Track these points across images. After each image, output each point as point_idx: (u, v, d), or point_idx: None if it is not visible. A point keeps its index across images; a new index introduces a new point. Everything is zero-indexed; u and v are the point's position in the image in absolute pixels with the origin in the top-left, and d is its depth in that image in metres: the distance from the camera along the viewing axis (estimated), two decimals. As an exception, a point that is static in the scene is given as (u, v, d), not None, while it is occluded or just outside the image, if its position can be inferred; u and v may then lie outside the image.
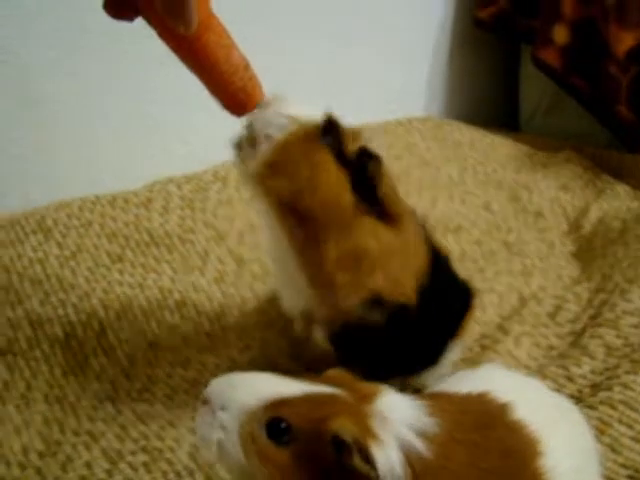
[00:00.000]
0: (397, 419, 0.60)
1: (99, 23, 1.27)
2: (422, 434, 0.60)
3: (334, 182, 0.77)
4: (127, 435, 0.88)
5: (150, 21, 0.74)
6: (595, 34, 1.70)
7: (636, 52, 1.63)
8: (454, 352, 0.93)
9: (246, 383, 0.63)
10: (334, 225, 0.77)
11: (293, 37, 1.63)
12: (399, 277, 0.80)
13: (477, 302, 0.96)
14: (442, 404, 0.65)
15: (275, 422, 0.59)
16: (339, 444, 0.57)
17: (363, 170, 0.77)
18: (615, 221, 1.41)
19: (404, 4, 1.83)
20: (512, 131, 1.97)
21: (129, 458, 0.84)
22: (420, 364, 0.90)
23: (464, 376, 0.77)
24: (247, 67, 0.79)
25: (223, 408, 0.61)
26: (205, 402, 0.62)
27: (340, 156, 0.78)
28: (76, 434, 0.89)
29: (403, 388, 0.80)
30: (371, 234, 0.79)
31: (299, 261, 0.80)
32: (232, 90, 0.78)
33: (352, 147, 0.79)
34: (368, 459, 0.56)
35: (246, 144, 0.79)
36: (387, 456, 0.57)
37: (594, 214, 1.48)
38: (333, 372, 0.65)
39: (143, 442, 0.87)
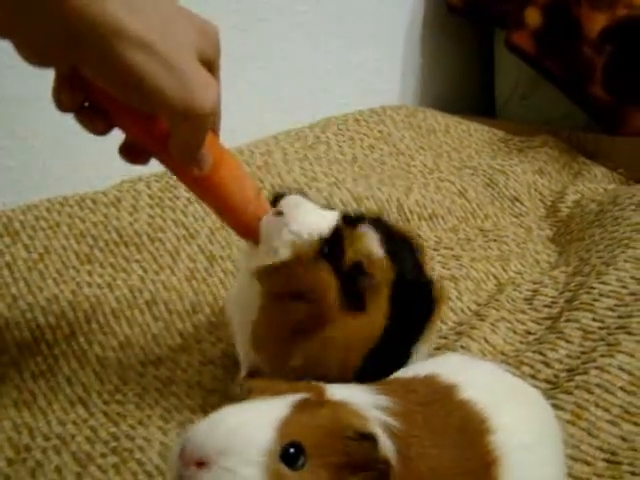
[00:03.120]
0: (361, 402, 0.59)
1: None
2: (383, 410, 0.59)
3: (327, 292, 0.82)
4: (97, 437, 0.87)
5: (165, 164, 0.77)
6: (567, 16, 1.69)
7: (609, 33, 1.62)
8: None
9: (242, 421, 0.54)
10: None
11: (263, 28, 1.62)
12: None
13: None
14: (388, 387, 0.65)
15: (289, 449, 0.53)
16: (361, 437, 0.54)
17: (353, 282, 0.83)
18: (592, 203, 1.40)
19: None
20: (488, 117, 1.97)
21: (99, 460, 0.83)
22: None
23: (418, 365, 0.77)
24: (259, 194, 0.83)
25: (246, 463, 0.51)
26: (202, 464, 0.51)
27: (337, 263, 0.83)
28: (46, 439, 0.87)
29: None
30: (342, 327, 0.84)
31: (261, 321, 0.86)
32: (246, 219, 0.81)
33: (351, 255, 0.84)
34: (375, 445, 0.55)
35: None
36: (382, 437, 0.56)
37: (571, 197, 1.48)
38: (258, 383, 0.62)
39: (113, 443, 0.85)
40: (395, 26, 1.93)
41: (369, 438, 0.54)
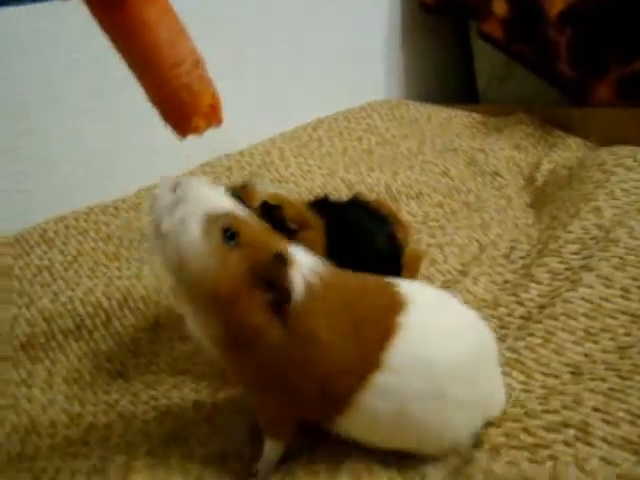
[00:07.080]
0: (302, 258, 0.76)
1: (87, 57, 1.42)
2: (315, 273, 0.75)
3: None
4: (138, 400, 1.01)
5: None
6: (530, 2, 1.82)
7: (567, 14, 1.75)
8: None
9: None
10: None
11: (250, 35, 1.76)
12: None
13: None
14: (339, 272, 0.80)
15: (228, 230, 0.72)
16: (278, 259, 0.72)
17: (272, 217, 0.94)
18: (564, 170, 1.52)
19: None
20: (472, 103, 2.10)
21: (142, 417, 0.97)
22: None
23: None
24: (198, 63, 0.66)
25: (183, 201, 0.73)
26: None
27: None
28: (95, 405, 1.02)
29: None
30: None
31: None
32: (174, 87, 0.64)
33: (254, 203, 0.96)
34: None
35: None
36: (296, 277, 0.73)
37: (546, 167, 1.60)
38: None
39: (153, 403, 0.99)
40: (376, 28, 2.06)
41: (282, 261, 0.72)
